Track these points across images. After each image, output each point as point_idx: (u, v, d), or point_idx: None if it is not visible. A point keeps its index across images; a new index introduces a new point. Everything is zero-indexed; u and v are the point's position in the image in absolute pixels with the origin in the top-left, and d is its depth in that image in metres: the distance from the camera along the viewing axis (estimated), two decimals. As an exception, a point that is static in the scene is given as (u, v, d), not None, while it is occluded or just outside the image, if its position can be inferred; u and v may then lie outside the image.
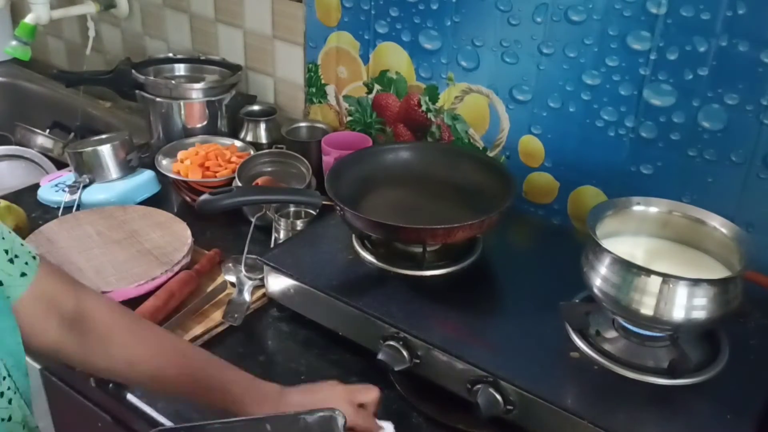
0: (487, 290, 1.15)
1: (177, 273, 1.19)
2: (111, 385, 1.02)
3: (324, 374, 1.03)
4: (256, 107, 1.64)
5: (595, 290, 0.96)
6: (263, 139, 1.59)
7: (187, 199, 1.43)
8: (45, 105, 2.01)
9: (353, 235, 1.19)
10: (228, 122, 1.64)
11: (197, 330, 1.12)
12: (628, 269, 0.92)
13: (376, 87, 1.50)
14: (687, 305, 0.89)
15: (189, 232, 1.28)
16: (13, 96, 2.08)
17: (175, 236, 1.28)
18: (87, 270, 1.19)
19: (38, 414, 1.21)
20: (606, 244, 0.95)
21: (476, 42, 1.32)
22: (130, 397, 1.01)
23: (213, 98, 1.60)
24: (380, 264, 1.13)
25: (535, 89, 1.28)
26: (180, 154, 1.47)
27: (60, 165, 1.60)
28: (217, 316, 1.15)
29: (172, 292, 1.16)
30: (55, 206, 1.41)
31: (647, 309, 0.90)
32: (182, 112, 1.59)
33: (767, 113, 1.07)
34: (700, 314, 0.90)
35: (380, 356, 1.00)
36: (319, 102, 1.62)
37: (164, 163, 1.47)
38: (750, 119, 1.09)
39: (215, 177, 1.41)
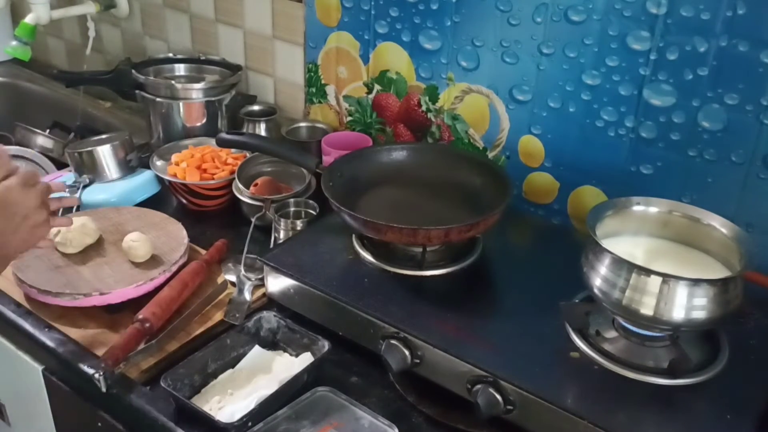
0: (487, 290, 1.15)
1: (175, 273, 1.19)
2: (111, 384, 1.02)
3: (324, 374, 1.03)
4: (256, 107, 1.64)
5: (595, 290, 0.96)
6: (263, 140, 1.59)
7: (184, 201, 1.43)
8: (45, 105, 2.00)
9: (353, 235, 1.19)
10: (228, 122, 1.64)
11: (198, 329, 1.12)
12: (628, 269, 0.92)
13: (376, 87, 1.50)
14: (687, 305, 0.89)
15: (185, 232, 1.28)
16: (13, 96, 2.08)
17: (170, 236, 1.28)
18: (84, 271, 1.19)
19: (38, 414, 1.22)
20: (606, 244, 0.95)
21: (476, 42, 1.32)
22: (130, 396, 1.01)
23: (213, 98, 1.60)
24: (380, 264, 1.13)
25: (535, 89, 1.28)
26: (174, 157, 1.46)
27: (60, 165, 1.59)
28: (216, 315, 1.15)
29: (185, 282, 1.17)
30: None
31: (647, 309, 0.91)
32: (182, 112, 1.59)
33: (767, 113, 1.08)
34: (700, 314, 0.90)
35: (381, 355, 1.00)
36: (319, 102, 1.62)
37: (159, 164, 1.46)
38: (750, 119, 1.09)
39: (213, 179, 1.40)
